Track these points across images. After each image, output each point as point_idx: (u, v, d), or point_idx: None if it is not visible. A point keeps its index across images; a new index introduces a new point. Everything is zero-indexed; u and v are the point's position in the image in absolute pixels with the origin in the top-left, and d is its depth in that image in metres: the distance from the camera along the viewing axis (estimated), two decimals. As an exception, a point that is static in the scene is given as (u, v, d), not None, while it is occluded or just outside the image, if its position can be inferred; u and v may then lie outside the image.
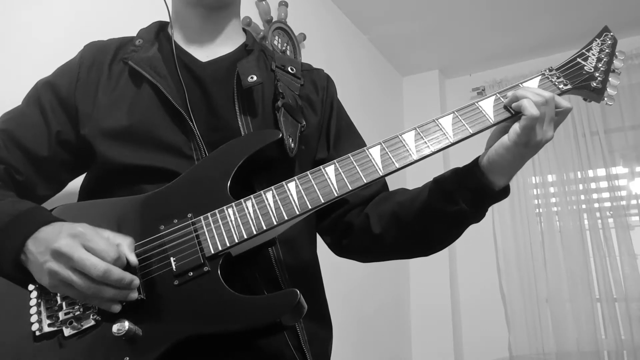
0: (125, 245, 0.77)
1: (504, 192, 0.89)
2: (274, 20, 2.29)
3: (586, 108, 3.11)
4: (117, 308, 0.75)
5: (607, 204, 2.97)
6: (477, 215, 0.90)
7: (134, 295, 0.75)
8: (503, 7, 2.92)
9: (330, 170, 0.84)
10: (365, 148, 0.86)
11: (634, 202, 2.93)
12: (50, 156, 0.95)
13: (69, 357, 0.75)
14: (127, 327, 0.72)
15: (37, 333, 0.77)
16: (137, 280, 0.75)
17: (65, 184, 1.03)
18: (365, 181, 0.83)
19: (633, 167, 3.00)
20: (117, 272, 0.73)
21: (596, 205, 3.00)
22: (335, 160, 0.85)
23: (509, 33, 3.18)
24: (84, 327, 0.76)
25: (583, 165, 3.06)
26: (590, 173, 3.05)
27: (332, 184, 0.83)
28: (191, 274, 0.78)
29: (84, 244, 0.73)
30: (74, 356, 0.75)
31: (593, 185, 3.04)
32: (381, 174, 0.83)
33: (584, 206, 3.02)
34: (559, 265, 2.99)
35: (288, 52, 2.35)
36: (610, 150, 3.05)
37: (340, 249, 1.07)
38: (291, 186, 0.83)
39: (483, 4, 2.90)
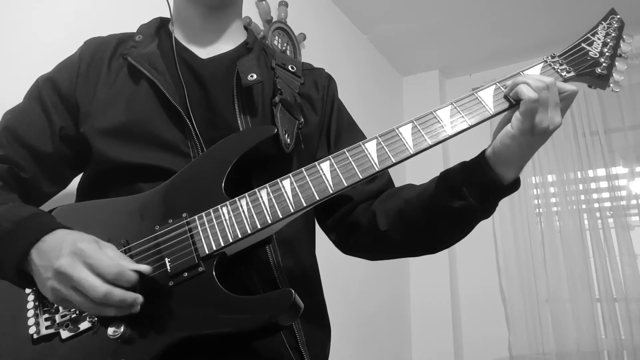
0: (128, 259, 0.74)
1: (514, 186, 0.86)
2: (274, 20, 2.29)
3: (586, 108, 3.10)
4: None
5: (607, 204, 2.96)
6: (487, 210, 0.88)
7: (137, 309, 0.73)
8: (503, 7, 2.92)
9: (325, 166, 0.82)
10: (361, 143, 0.84)
11: (634, 202, 2.93)
12: (55, 152, 0.94)
13: (67, 359, 0.75)
14: (122, 330, 0.71)
15: (35, 336, 0.77)
16: (140, 298, 0.72)
17: (70, 181, 1.02)
18: (360, 177, 0.81)
19: (633, 167, 2.99)
20: (118, 294, 0.70)
21: (596, 205, 3.00)
22: (330, 156, 0.83)
23: (509, 33, 3.18)
24: (80, 330, 0.76)
25: (583, 165, 3.06)
26: (590, 173, 3.04)
27: (327, 180, 0.81)
28: (186, 274, 0.77)
29: (85, 262, 0.70)
30: (71, 358, 0.75)
31: (593, 185, 3.03)
32: (377, 169, 0.81)
33: (584, 206, 3.02)
34: (559, 265, 2.98)
35: (288, 52, 2.35)
36: (610, 150, 3.04)
37: (346, 247, 1.06)
38: (286, 183, 0.82)
39: (483, 4, 2.89)
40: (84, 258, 0.70)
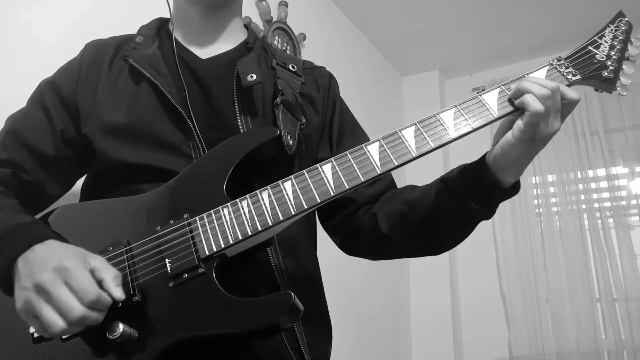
0: (109, 280, 0.71)
1: (514, 189, 0.86)
2: (274, 20, 2.29)
3: (586, 108, 3.10)
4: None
5: (607, 204, 2.97)
6: (488, 212, 0.88)
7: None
8: (503, 7, 2.92)
9: (327, 168, 0.82)
10: (363, 145, 0.83)
11: (634, 202, 2.93)
12: (57, 155, 0.95)
13: (66, 359, 0.75)
14: (122, 330, 0.71)
15: (35, 335, 0.77)
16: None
17: (74, 182, 1.02)
18: (362, 180, 0.80)
19: (633, 167, 2.99)
20: (93, 317, 0.69)
21: (596, 205, 3.00)
22: (332, 158, 0.83)
23: (509, 33, 3.18)
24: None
25: (583, 165, 3.06)
26: (590, 173, 3.04)
27: (328, 182, 0.80)
28: (186, 275, 0.76)
29: (66, 281, 0.69)
30: (71, 358, 0.75)
31: (593, 185, 3.04)
32: (379, 172, 0.80)
33: (584, 206, 3.02)
34: (559, 265, 2.98)
35: (288, 52, 2.35)
36: (610, 150, 3.04)
37: (349, 249, 1.06)
38: (287, 185, 0.81)
39: (483, 4, 2.89)
40: (66, 277, 0.69)
